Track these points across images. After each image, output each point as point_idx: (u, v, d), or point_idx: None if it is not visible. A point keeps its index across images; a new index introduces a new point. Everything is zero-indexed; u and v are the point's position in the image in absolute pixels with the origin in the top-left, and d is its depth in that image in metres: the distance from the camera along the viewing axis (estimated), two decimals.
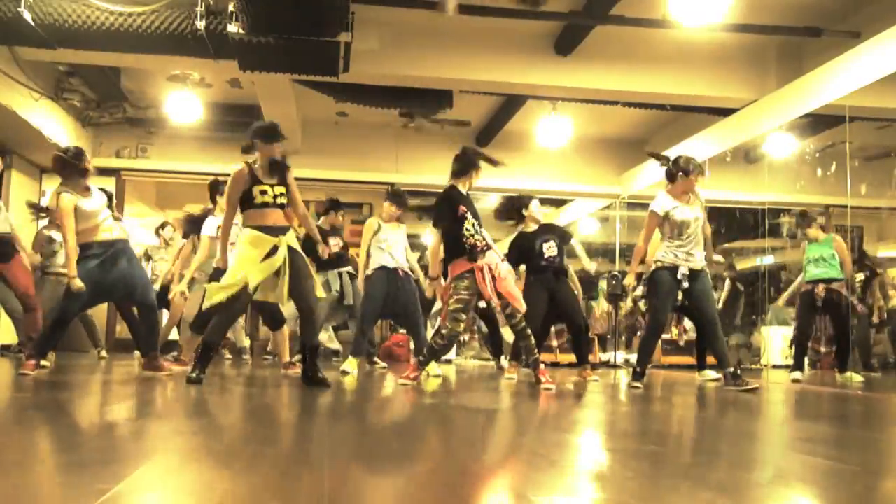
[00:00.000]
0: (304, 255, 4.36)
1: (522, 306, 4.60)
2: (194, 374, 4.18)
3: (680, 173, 5.15)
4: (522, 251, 5.67)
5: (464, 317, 4.59)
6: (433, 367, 5.52)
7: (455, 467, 2.10)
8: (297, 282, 4.23)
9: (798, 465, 2.26)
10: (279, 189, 4.27)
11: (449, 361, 8.22)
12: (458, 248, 4.60)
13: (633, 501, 1.67)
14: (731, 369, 4.85)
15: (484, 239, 4.63)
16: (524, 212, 5.78)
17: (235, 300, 4.13)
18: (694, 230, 5.05)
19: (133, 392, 3.87)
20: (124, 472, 1.75)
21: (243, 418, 3.22)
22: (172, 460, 1.98)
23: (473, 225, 4.59)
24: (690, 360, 8.64)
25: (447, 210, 4.62)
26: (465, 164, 4.70)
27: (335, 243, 6.34)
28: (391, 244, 5.94)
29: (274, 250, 4.18)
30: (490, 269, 4.54)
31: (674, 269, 4.94)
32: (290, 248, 4.24)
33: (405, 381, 4.61)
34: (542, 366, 4.73)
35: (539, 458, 2.27)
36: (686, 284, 4.91)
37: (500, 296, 4.56)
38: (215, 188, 5.82)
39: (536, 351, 4.72)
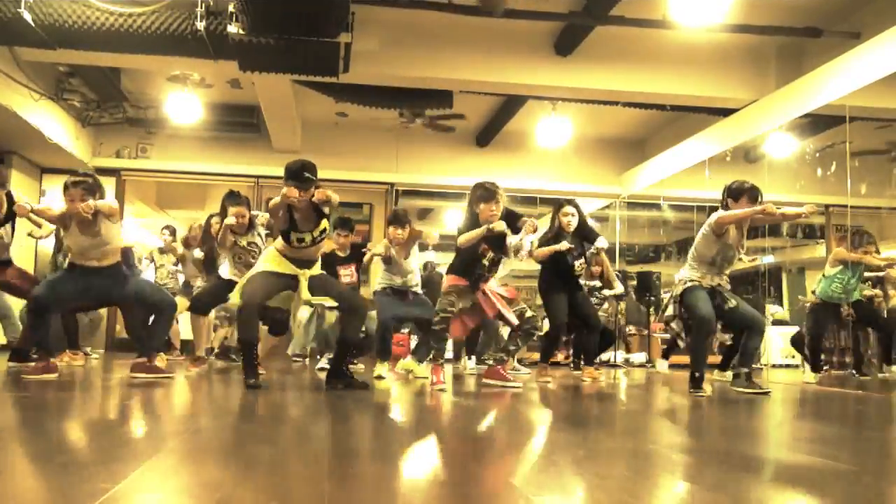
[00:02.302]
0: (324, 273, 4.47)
1: (514, 320, 4.73)
2: (252, 381, 4.16)
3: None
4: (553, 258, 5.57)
5: (450, 321, 4.65)
6: (421, 369, 5.53)
7: (455, 467, 2.10)
8: (330, 289, 4.33)
9: (798, 464, 2.26)
10: (317, 232, 4.21)
11: (449, 360, 8.22)
12: (464, 267, 4.65)
13: (632, 501, 1.67)
14: (748, 370, 4.76)
15: (495, 264, 4.71)
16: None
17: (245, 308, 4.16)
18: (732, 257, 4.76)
19: (133, 392, 3.87)
20: (124, 472, 1.75)
21: (243, 418, 3.22)
22: (172, 460, 1.98)
23: (491, 259, 4.63)
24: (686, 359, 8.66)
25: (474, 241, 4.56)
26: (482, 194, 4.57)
27: (346, 273, 6.01)
28: (400, 267, 5.74)
29: (293, 280, 4.23)
30: (484, 292, 4.64)
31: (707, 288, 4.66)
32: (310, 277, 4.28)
33: (440, 386, 4.53)
34: (503, 364, 4.85)
35: (539, 458, 2.28)
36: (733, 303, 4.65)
37: (509, 301, 4.69)
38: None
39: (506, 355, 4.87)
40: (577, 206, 5.66)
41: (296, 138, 9.08)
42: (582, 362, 6.17)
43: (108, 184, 9.38)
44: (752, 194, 4.53)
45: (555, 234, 5.58)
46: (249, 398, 3.95)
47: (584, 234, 5.62)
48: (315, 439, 2.59)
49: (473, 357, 7.14)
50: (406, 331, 8.47)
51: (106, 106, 8.64)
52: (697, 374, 4.61)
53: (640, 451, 2.46)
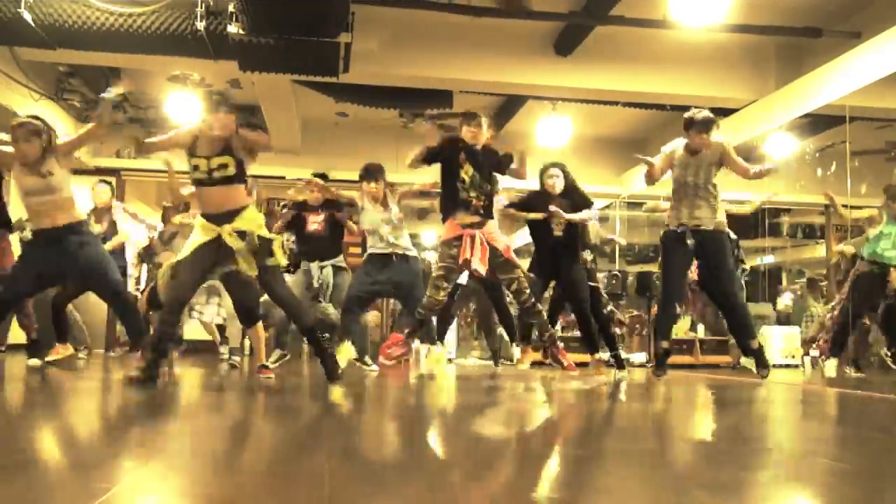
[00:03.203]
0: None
1: (518, 264, 4.53)
2: (138, 375, 3.80)
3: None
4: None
5: (446, 285, 4.41)
6: (438, 356, 5.46)
7: (455, 467, 2.10)
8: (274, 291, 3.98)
9: (798, 464, 2.26)
10: (215, 162, 3.86)
11: (449, 361, 8.22)
12: (450, 202, 4.46)
13: (633, 501, 1.67)
14: (755, 346, 4.78)
15: (484, 199, 4.42)
16: None
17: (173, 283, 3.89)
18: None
19: (133, 391, 3.87)
20: (124, 472, 1.75)
21: (243, 418, 3.22)
22: (172, 460, 1.98)
23: (472, 178, 4.40)
24: (690, 359, 8.66)
25: (443, 151, 4.49)
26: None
27: (315, 221, 5.73)
28: (377, 227, 5.47)
29: (217, 246, 3.84)
30: (481, 241, 4.36)
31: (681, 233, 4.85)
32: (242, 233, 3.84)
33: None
34: (560, 344, 4.61)
35: (539, 458, 2.28)
36: (690, 241, 4.83)
37: (504, 267, 4.44)
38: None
39: (551, 327, 4.57)
40: (563, 168, 5.51)
41: (296, 138, 9.08)
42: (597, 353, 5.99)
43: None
44: (701, 125, 4.75)
45: (537, 196, 5.47)
46: (249, 398, 3.94)
47: (573, 200, 5.45)
48: (315, 439, 2.59)
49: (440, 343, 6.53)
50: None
51: None
52: (660, 354, 4.87)
53: (640, 451, 2.46)
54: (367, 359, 6.47)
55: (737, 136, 7.91)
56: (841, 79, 6.19)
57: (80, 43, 6.03)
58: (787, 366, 8.85)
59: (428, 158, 4.56)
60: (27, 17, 5.54)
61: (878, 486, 1.95)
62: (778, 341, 8.95)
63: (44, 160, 4.33)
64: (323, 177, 5.92)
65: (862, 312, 6.07)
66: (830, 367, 6.00)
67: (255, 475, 1.78)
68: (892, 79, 5.75)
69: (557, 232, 5.38)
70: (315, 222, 5.82)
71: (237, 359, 7.30)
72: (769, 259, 10.95)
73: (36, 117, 4.49)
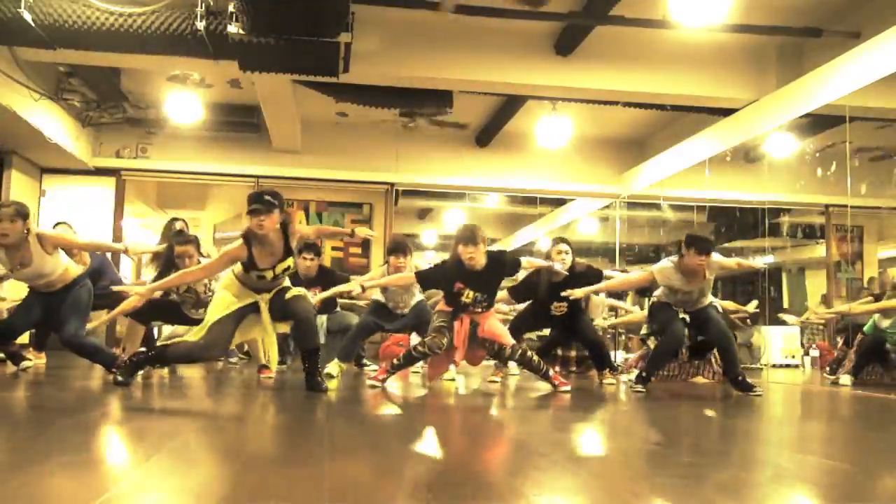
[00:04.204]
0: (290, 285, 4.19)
1: (510, 340, 4.56)
2: (123, 378, 3.97)
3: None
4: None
5: (449, 335, 4.46)
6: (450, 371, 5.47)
7: (455, 467, 2.10)
8: (286, 309, 4.08)
9: (798, 464, 2.26)
10: (280, 268, 4.00)
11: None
12: (451, 303, 4.54)
13: (633, 501, 1.67)
14: (734, 376, 4.76)
15: (486, 305, 4.54)
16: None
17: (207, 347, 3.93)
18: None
19: (132, 392, 3.87)
20: (124, 472, 1.75)
21: (243, 418, 3.22)
22: (172, 460, 1.98)
23: (475, 297, 4.47)
24: None
25: (441, 280, 4.57)
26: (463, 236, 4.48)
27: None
28: (394, 296, 5.66)
29: (253, 306, 4.03)
30: (469, 322, 4.50)
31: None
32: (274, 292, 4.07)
33: (374, 381, 4.47)
34: (551, 372, 4.63)
35: (539, 458, 2.27)
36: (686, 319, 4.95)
37: (484, 342, 4.53)
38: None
39: (543, 364, 4.61)
40: (570, 245, 5.49)
41: (296, 138, 9.07)
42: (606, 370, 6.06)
43: (108, 184, 9.40)
44: (701, 248, 4.67)
45: (538, 274, 5.44)
46: (249, 398, 3.95)
47: (584, 275, 5.39)
48: (315, 438, 2.59)
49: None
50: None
51: (106, 106, 8.63)
52: (645, 374, 4.90)
53: (640, 452, 2.46)
54: (366, 360, 6.57)
55: (737, 136, 7.92)
56: (841, 79, 6.18)
57: (80, 43, 6.03)
58: (787, 366, 8.85)
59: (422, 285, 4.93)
60: (27, 16, 5.53)
61: (878, 486, 1.95)
62: (778, 341, 8.96)
63: (24, 246, 4.47)
64: (312, 246, 5.97)
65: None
66: (846, 379, 6.12)
67: (255, 474, 1.78)
68: (892, 79, 5.75)
69: (556, 313, 5.47)
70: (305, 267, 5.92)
71: (234, 360, 7.31)
72: (769, 259, 10.94)
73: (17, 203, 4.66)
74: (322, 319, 6.03)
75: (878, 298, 6.51)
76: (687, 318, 4.98)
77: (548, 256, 5.47)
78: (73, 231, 6.34)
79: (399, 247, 5.57)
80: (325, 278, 6.00)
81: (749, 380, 4.74)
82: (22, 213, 4.47)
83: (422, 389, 4.71)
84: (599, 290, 5.81)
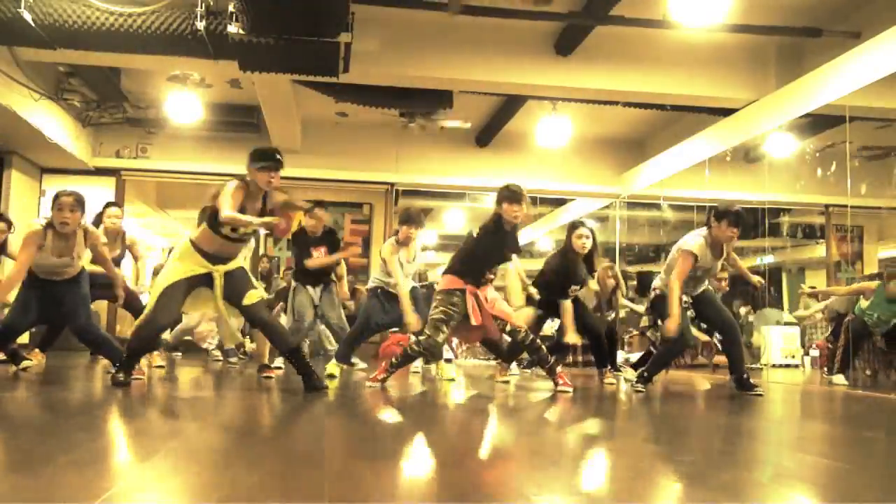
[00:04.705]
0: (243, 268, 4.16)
1: (522, 323, 4.57)
2: (122, 377, 3.99)
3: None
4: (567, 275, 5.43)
5: (446, 329, 4.42)
6: (447, 370, 5.47)
7: (455, 466, 2.10)
8: (241, 294, 4.04)
9: (798, 464, 2.26)
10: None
11: (449, 361, 8.22)
12: (466, 268, 4.49)
13: (633, 501, 1.67)
14: (739, 375, 4.68)
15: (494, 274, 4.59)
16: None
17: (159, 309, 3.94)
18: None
19: (132, 392, 3.87)
20: (124, 472, 1.75)
21: (243, 418, 3.22)
22: (172, 459, 1.98)
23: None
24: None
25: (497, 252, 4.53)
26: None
27: (318, 255, 5.81)
28: (403, 266, 5.56)
29: (207, 278, 3.98)
30: (478, 296, 4.46)
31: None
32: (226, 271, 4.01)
33: (372, 382, 4.46)
34: (558, 369, 4.60)
35: (539, 458, 2.27)
36: (690, 313, 4.84)
37: (495, 318, 4.49)
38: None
39: (550, 358, 4.56)
40: (592, 230, 5.46)
41: (296, 138, 9.08)
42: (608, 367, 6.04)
43: (109, 184, 9.40)
44: (733, 220, 4.56)
45: (564, 255, 5.39)
46: (249, 397, 3.95)
47: (590, 261, 5.45)
48: (315, 438, 2.59)
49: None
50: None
51: (106, 106, 8.63)
52: (647, 374, 4.82)
53: (641, 451, 2.46)
54: (355, 359, 6.53)
55: (737, 136, 7.93)
56: (841, 79, 6.19)
57: (80, 43, 6.03)
58: (787, 365, 8.85)
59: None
60: (27, 17, 5.54)
61: (878, 486, 1.95)
62: (778, 341, 8.96)
63: (75, 239, 4.49)
64: (321, 204, 5.97)
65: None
66: (839, 379, 6.11)
67: (255, 473, 1.78)
68: (892, 79, 5.75)
69: (572, 295, 5.44)
70: (317, 256, 5.89)
71: (234, 360, 7.31)
72: (769, 259, 10.95)
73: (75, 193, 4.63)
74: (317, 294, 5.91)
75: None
76: (690, 312, 4.87)
77: (569, 241, 5.40)
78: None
79: (412, 217, 5.58)
80: (330, 238, 5.97)
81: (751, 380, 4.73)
82: (81, 203, 4.47)
83: (421, 389, 4.71)
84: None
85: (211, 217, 3.90)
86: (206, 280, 3.99)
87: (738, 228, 4.56)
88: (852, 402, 4.80)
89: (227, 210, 3.71)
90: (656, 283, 4.91)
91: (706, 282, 4.86)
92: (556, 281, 5.38)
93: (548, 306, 5.46)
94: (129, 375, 4.05)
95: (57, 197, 4.47)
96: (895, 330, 6.31)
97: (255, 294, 4.09)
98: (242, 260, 4.25)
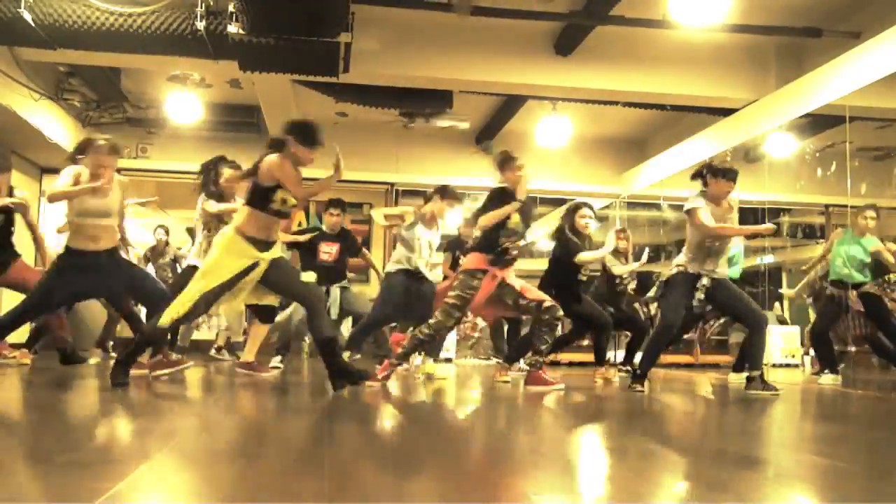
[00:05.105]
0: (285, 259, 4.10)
1: (549, 300, 4.52)
2: (122, 380, 3.84)
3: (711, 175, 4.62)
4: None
5: (458, 314, 4.39)
6: (435, 369, 5.46)
7: (455, 466, 2.10)
8: (287, 283, 3.98)
9: (798, 464, 2.26)
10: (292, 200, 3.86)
11: (449, 360, 8.22)
12: (486, 243, 4.45)
13: (633, 501, 1.67)
14: (760, 372, 4.59)
15: (522, 235, 4.53)
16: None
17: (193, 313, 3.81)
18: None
19: (133, 392, 3.87)
20: (124, 471, 1.75)
21: (243, 418, 3.22)
22: (173, 459, 1.98)
23: (516, 227, 4.48)
24: (689, 358, 8.66)
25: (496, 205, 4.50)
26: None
27: (327, 251, 5.83)
28: (423, 245, 5.42)
29: (253, 266, 3.82)
30: (504, 279, 4.41)
31: (695, 277, 4.57)
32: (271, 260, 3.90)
33: (372, 382, 4.31)
34: (543, 367, 4.59)
35: (539, 458, 2.27)
36: (702, 296, 4.56)
37: (519, 301, 4.47)
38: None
39: (540, 356, 4.55)
40: (592, 209, 5.46)
41: None
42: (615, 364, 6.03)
43: None
44: (728, 175, 4.54)
45: (562, 233, 5.38)
46: (250, 397, 3.95)
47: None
48: (316, 438, 2.59)
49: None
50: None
51: (106, 106, 8.63)
52: (640, 372, 4.66)
53: (641, 451, 2.46)
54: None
55: (737, 136, 7.92)
56: (841, 79, 6.18)
57: (80, 43, 6.03)
58: (787, 365, 8.85)
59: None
60: (27, 17, 5.54)
61: (878, 486, 1.95)
62: (778, 341, 8.95)
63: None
64: (339, 202, 5.99)
65: (831, 325, 6.16)
66: (825, 379, 5.91)
67: (256, 473, 1.78)
68: (892, 79, 5.75)
69: (582, 278, 5.40)
70: (327, 252, 5.90)
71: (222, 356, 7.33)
72: (769, 259, 10.94)
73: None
74: (335, 296, 5.85)
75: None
76: (702, 294, 4.59)
77: (571, 221, 5.41)
78: None
79: (452, 193, 5.47)
80: (346, 239, 5.98)
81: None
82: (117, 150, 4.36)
83: (421, 389, 4.71)
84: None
85: (256, 196, 3.79)
86: (247, 272, 3.84)
87: (734, 181, 4.57)
88: (852, 402, 4.80)
89: (295, 185, 3.72)
90: (679, 259, 4.68)
91: (721, 260, 4.67)
92: (562, 264, 5.31)
93: (561, 293, 5.22)
94: (127, 376, 3.90)
95: None
96: (870, 299, 5.90)
97: (309, 275, 4.05)
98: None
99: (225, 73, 7.29)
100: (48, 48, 6.11)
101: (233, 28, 5.55)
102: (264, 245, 3.85)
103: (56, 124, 8.13)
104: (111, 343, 7.27)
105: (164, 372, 4.50)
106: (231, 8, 5.53)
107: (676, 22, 5.75)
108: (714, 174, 4.57)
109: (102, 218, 4.29)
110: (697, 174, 4.68)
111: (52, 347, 5.94)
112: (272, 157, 3.74)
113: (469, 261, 4.48)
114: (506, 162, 4.58)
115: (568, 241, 5.36)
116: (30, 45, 6.25)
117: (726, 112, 7.88)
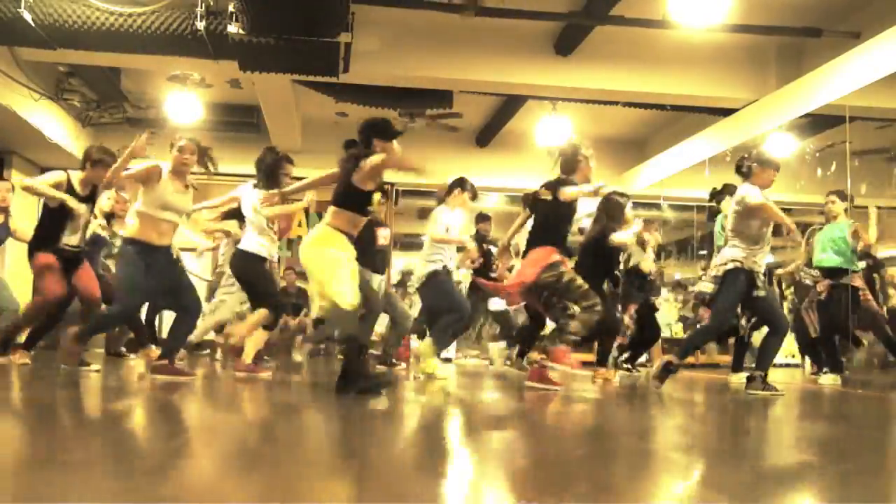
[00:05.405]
0: None
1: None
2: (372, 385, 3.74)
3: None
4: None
5: (592, 290, 4.47)
6: (436, 368, 5.44)
7: (456, 466, 2.10)
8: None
9: (799, 464, 2.26)
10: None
11: (448, 360, 8.22)
12: (552, 235, 4.70)
13: (633, 501, 1.67)
14: (764, 373, 4.56)
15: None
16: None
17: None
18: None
19: (137, 393, 3.87)
20: (126, 472, 1.75)
21: (244, 418, 3.22)
22: (173, 460, 1.98)
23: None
24: (689, 359, 8.64)
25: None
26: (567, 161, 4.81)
27: (384, 236, 5.82)
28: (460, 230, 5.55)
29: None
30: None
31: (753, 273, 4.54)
32: None
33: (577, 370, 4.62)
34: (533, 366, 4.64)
35: (540, 458, 2.28)
36: (763, 293, 4.58)
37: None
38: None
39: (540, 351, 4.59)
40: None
41: (296, 138, 9.08)
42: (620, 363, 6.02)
43: None
44: (777, 166, 4.64)
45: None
46: (250, 398, 3.95)
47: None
48: (320, 439, 2.59)
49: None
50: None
51: (106, 106, 8.63)
52: (672, 368, 4.62)
53: (640, 451, 2.46)
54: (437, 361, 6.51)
55: (737, 136, 7.93)
56: (841, 79, 6.19)
57: (80, 43, 6.03)
58: (788, 365, 8.85)
59: None
60: (27, 17, 5.54)
61: (878, 486, 1.95)
62: None
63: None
64: (382, 191, 5.95)
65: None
66: (826, 379, 5.93)
67: (258, 473, 1.78)
68: (892, 79, 5.75)
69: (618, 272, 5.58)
70: (384, 237, 5.89)
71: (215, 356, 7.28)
72: (769, 259, 10.94)
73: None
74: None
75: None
76: (763, 291, 4.60)
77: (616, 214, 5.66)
78: None
79: (472, 186, 5.58)
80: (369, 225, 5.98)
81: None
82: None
83: (421, 389, 4.71)
84: None
85: (345, 197, 3.97)
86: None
87: (778, 170, 4.63)
88: (852, 401, 4.80)
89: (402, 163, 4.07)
90: (734, 254, 4.55)
91: (767, 248, 4.70)
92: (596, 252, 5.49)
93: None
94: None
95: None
96: (839, 290, 5.92)
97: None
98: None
99: (225, 73, 7.29)
100: (48, 48, 6.12)
101: (233, 28, 5.55)
102: (353, 241, 3.98)
103: (56, 124, 8.13)
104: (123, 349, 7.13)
105: (165, 378, 4.48)
106: (231, 8, 5.53)
107: (676, 22, 5.75)
108: (762, 164, 4.60)
109: (177, 215, 4.54)
110: (739, 167, 4.70)
111: (52, 348, 5.94)
112: (375, 157, 4.01)
113: (540, 254, 4.59)
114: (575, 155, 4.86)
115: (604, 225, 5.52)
116: (30, 45, 6.25)
117: (726, 112, 7.88)
